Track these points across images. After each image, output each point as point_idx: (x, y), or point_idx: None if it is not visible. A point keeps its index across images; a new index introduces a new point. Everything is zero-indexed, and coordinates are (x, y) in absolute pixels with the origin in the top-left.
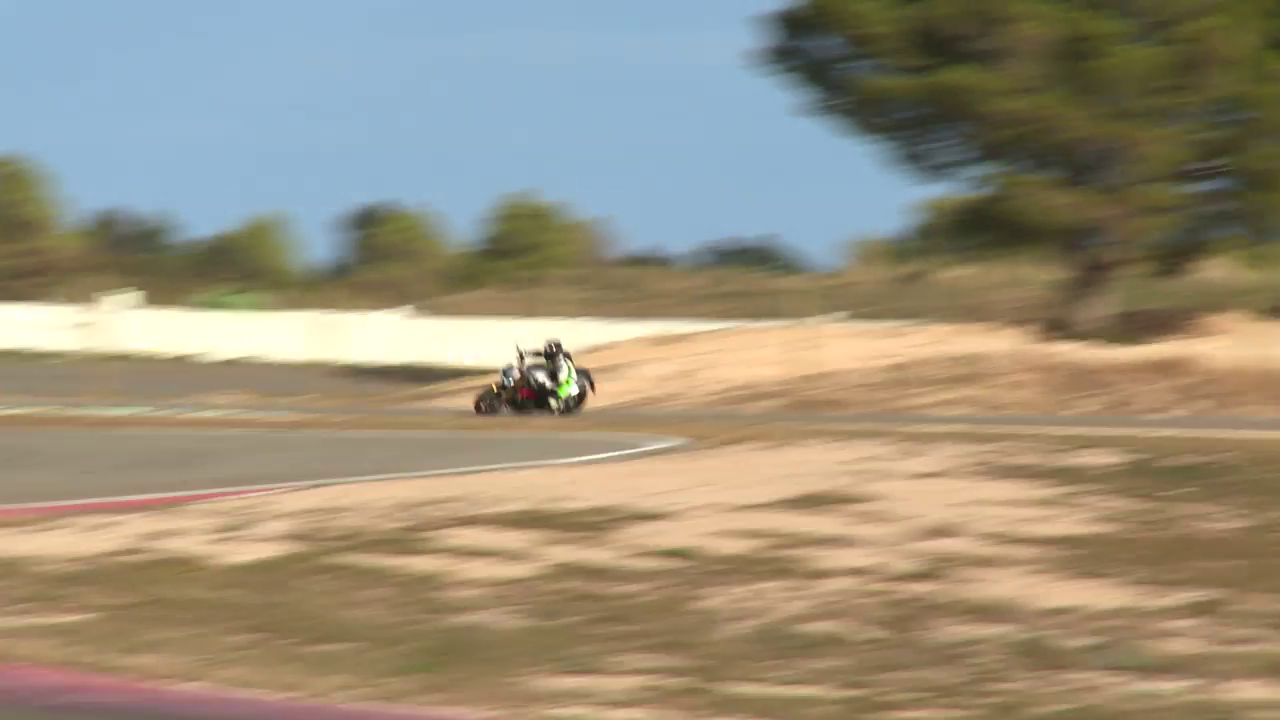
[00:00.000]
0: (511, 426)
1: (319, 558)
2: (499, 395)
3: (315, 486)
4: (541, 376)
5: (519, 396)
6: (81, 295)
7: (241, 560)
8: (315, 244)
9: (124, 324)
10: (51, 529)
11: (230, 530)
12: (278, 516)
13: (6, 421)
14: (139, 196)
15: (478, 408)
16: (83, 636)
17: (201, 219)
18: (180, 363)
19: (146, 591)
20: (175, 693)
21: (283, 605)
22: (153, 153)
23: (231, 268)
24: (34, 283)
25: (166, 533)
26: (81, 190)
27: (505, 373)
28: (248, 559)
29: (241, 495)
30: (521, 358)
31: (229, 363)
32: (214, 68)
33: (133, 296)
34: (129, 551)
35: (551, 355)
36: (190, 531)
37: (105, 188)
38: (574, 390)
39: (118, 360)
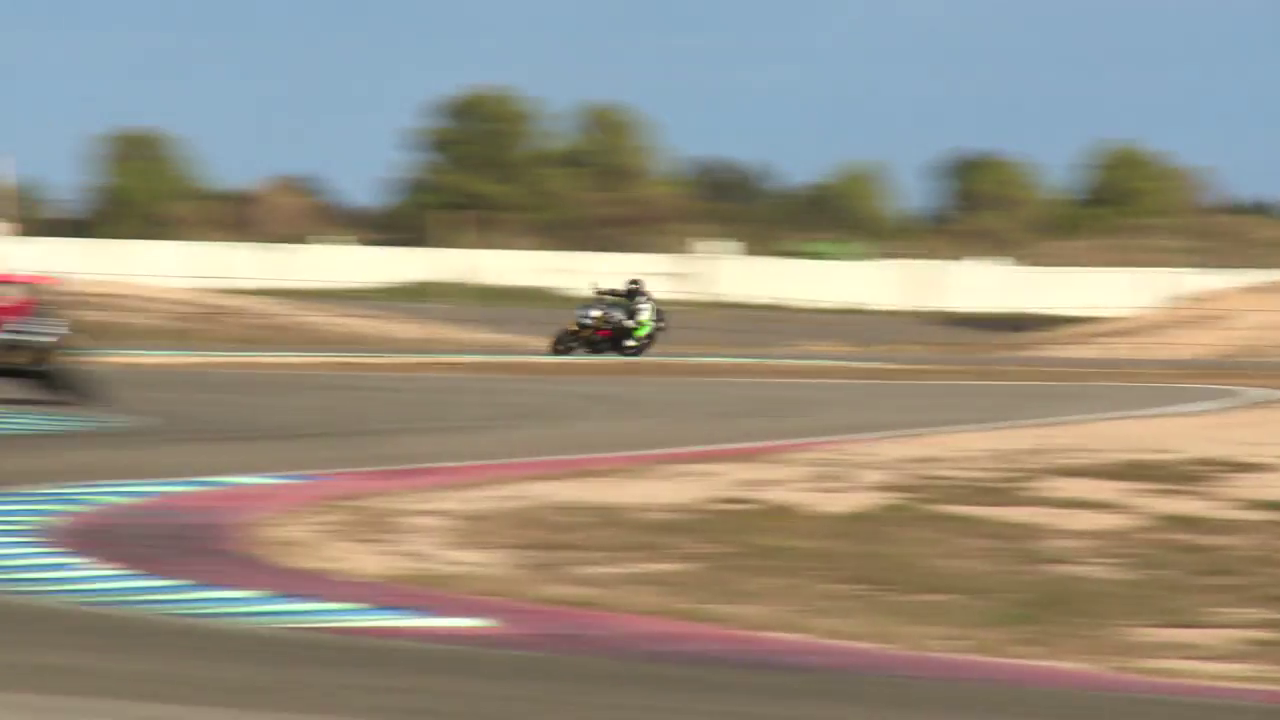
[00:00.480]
0: (1113, 376)
1: (915, 507)
2: (576, 335)
3: (912, 436)
4: (618, 315)
5: (595, 336)
6: (678, 244)
7: (838, 510)
8: (911, 193)
9: (721, 272)
10: (651, 477)
11: (827, 479)
12: (874, 466)
13: (606, 370)
14: (736, 145)
15: (554, 348)
16: (682, 585)
17: (798, 167)
18: (776, 312)
19: (744, 541)
20: (774, 642)
21: (879, 555)
22: (750, 101)
23: (827, 217)
24: (631, 231)
25: (764, 482)
26: (680, 139)
27: (583, 311)
28: (844, 509)
29: (839, 445)
30: (600, 297)
31: (825, 312)
32: (810, 14)
33: (730, 245)
34: (727, 500)
35: (631, 294)
36: (787, 481)
37: (703, 136)
38: (652, 329)
39: (713, 308)
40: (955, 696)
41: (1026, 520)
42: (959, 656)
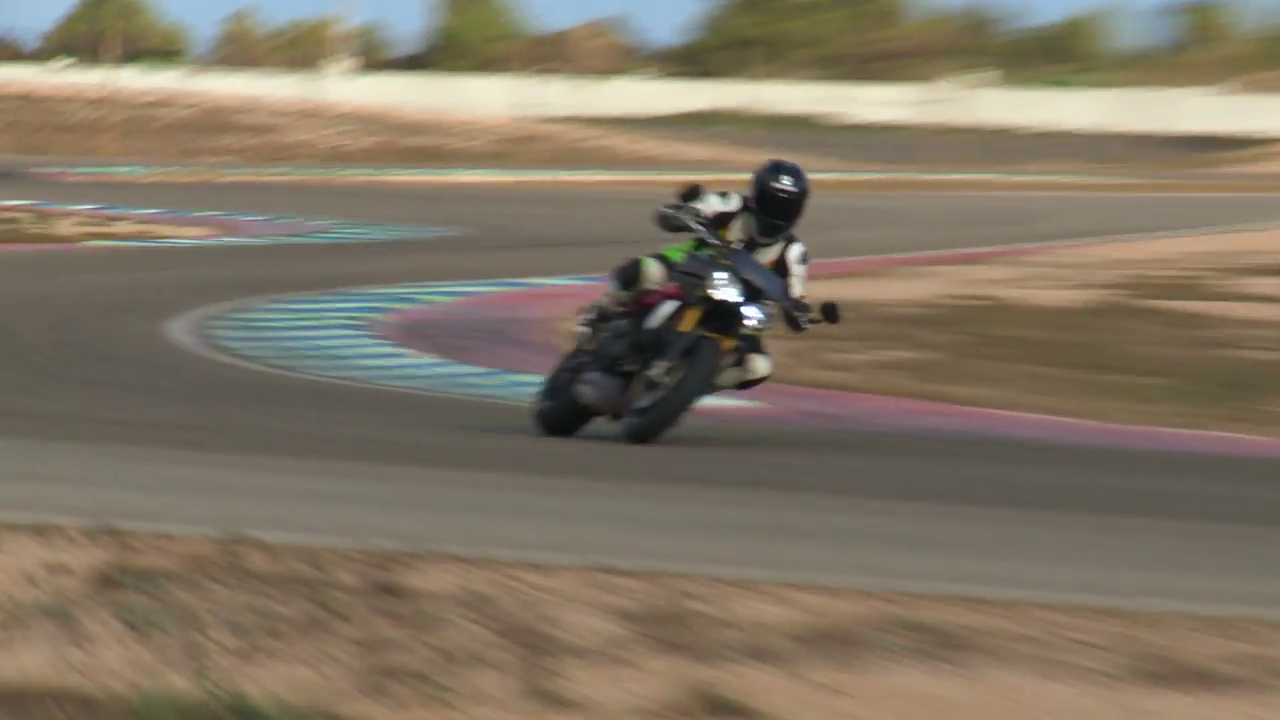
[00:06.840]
0: None
1: (1125, 303)
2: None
3: (1125, 241)
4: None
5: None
6: (928, 76)
7: (1058, 304)
8: (1142, 30)
9: (976, 101)
10: (895, 277)
11: (1051, 279)
12: (1095, 266)
13: (865, 185)
14: None
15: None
16: (922, 370)
17: (1047, 6)
18: (1006, 135)
19: (975, 332)
20: (998, 417)
21: (1093, 345)
22: None
23: (1070, 51)
24: (887, 65)
25: (994, 280)
26: None
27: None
28: (1065, 303)
29: (1064, 249)
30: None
31: (1059, 134)
32: None
33: (987, 76)
34: (962, 297)
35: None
36: (1015, 280)
37: None
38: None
39: (969, 133)
40: (1162, 463)
41: (1227, 314)
42: (1165, 429)
